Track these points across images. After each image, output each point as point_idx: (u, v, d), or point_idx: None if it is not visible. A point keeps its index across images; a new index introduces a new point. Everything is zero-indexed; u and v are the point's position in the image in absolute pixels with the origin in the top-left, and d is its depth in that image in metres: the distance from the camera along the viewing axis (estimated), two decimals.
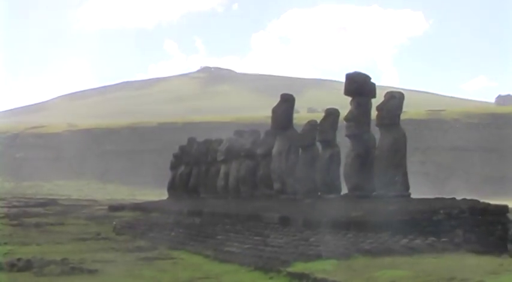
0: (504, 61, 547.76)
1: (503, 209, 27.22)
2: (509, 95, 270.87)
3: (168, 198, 54.16)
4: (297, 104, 41.61)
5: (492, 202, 29.34)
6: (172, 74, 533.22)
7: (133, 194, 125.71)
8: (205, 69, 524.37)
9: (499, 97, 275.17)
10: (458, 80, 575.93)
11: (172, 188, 53.24)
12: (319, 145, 34.72)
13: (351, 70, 35.18)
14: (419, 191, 37.23)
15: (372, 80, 31.87)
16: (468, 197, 29.76)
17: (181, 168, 51.56)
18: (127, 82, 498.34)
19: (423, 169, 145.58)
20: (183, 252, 25.74)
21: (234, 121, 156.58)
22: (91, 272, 19.70)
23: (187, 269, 21.09)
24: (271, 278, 18.29)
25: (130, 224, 38.18)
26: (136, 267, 21.17)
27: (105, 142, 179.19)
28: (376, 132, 30.61)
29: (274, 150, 36.80)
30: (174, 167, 53.92)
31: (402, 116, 30.64)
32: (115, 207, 53.95)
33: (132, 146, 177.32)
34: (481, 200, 28.70)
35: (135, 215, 46.74)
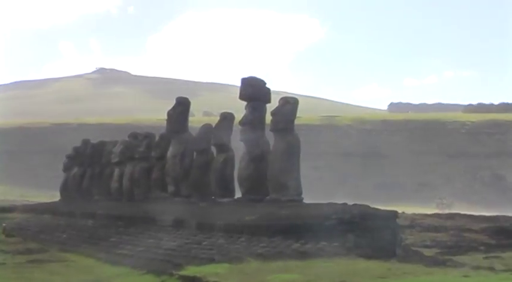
0: (396, 69, 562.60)
1: (393, 214, 27.81)
2: (401, 103, 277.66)
3: (60, 200, 53.16)
4: (193, 107, 41.52)
5: (382, 208, 29.97)
6: (67, 75, 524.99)
7: (25, 196, 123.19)
8: (100, 71, 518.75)
9: (391, 104, 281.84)
10: (352, 87, 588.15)
11: (65, 189, 52.27)
12: (213, 149, 34.74)
13: (247, 75, 35.28)
14: (312, 195, 37.71)
15: (267, 85, 32.06)
16: (360, 203, 30.29)
17: (75, 170, 50.69)
18: (20, 82, 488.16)
19: (316, 174, 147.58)
20: (74, 255, 25.40)
21: (129, 123, 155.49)
22: None
23: (79, 272, 20.83)
24: (163, 281, 18.21)
25: (21, 226, 37.37)
26: (27, 270, 20.78)
27: None
28: (270, 137, 30.82)
29: (169, 153, 36.63)
30: (67, 168, 52.95)
31: (296, 121, 30.92)
32: (5, 209, 52.67)
33: (24, 146, 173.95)
34: (372, 205, 29.27)
35: (26, 217, 45.80)
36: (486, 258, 29.13)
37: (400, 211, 40.12)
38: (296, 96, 32.99)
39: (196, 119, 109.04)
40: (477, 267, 21.60)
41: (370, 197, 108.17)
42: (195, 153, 35.86)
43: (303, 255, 20.42)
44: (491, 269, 21.11)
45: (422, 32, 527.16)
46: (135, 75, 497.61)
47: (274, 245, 21.90)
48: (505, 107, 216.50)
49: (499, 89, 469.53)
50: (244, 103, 31.95)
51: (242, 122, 31.49)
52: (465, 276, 16.49)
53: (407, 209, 73.34)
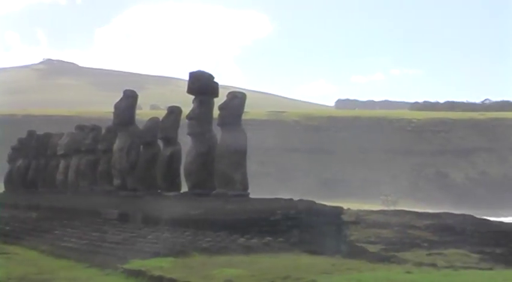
0: (343, 66, 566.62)
1: (338, 210, 28.00)
2: (348, 99, 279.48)
3: (4, 191, 52.50)
4: (140, 101, 41.26)
5: (328, 204, 30.15)
6: (13, 65, 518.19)
7: None
8: (47, 62, 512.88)
9: (339, 101, 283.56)
10: (299, 83, 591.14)
11: (9, 181, 51.61)
12: (160, 142, 34.60)
13: (195, 69, 35.20)
14: (258, 191, 37.78)
15: (215, 80, 32.03)
16: (305, 199, 30.44)
17: (20, 161, 50.07)
18: None
19: (263, 169, 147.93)
20: (18, 247, 25.11)
21: (76, 115, 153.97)
22: None
23: (22, 264, 20.58)
24: (107, 274, 18.08)
25: None
26: None
27: None
28: (217, 131, 30.80)
29: (115, 146, 36.36)
30: (12, 159, 52.29)
31: (244, 116, 30.94)
32: None
33: None
34: (318, 202, 29.43)
35: None
36: (429, 254, 29.50)
37: (345, 207, 40.40)
38: (244, 91, 32.97)
39: (144, 112, 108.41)
40: (420, 264, 21.84)
41: (316, 193, 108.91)
42: (141, 147, 35.70)
43: (248, 250, 20.45)
44: (433, 265, 21.38)
45: (369, 29, 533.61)
46: (83, 67, 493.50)
47: (219, 239, 21.89)
48: (450, 105, 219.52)
49: (444, 88, 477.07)
50: (192, 97, 31.86)
51: (189, 116, 31.40)
52: (408, 272, 16.66)
53: (353, 205, 73.85)
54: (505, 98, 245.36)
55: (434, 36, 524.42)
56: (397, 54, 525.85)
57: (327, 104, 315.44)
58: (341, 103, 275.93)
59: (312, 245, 22.59)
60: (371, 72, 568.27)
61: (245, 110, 31.24)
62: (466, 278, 15.12)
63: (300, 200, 28.90)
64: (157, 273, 16.66)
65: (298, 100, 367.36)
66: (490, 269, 22.40)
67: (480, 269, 21.95)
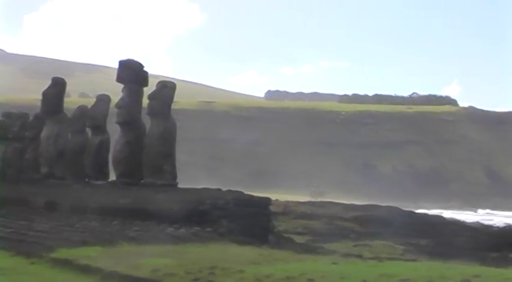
0: (273, 58, 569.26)
1: (266, 201, 28.13)
2: (278, 91, 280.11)
3: None
4: (69, 88, 40.79)
5: (257, 194, 30.28)
6: None
7: None
8: None
9: (269, 92, 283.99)
10: (229, 73, 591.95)
11: None
12: (89, 131, 34.29)
13: (124, 57, 35.01)
14: (187, 181, 37.70)
15: (145, 69, 31.87)
16: (234, 189, 30.52)
17: None
18: None
19: (192, 159, 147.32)
20: None
21: (2, 102, 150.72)
22: None
23: None
24: (32, 263, 17.84)
25: None
26: None
27: None
28: (147, 120, 30.66)
29: (43, 134, 35.93)
30: None
31: (173, 106, 30.86)
32: None
33: None
34: (247, 192, 29.53)
35: None
36: (356, 246, 29.94)
37: (273, 198, 40.63)
38: (174, 81, 32.88)
39: (72, 100, 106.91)
40: (346, 255, 22.13)
41: (245, 184, 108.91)
42: (69, 135, 35.32)
43: (176, 240, 20.43)
44: (359, 256, 21.67)
45: (298, 21, 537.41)
46: (11, 54, 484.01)
47: (147, 228, 21.84)
48: (379, 98, 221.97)
49: (373, 81, 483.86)
50: (121, 85, 31.64)
51: (118, 105, 31.18)
52: (334, 263, 16.84)
53: (282, 196, 74.31)
54: (432, 92, 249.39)
55: (362, 29, 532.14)
56: (326, 47, 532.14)
57: (257, 95, 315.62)
58: (271, 94, 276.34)
59: (240, 235, 22.69)
60: (300, 64, 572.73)
61: (175, 99, 31.15)
62: (391, 269, 15.35)
63: (229, 191, 28.98)
64: (84, 262, 16.52)
65: (228, 90, 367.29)
66: (415, 260, 22.82)
67: (405, 260, 22.33)
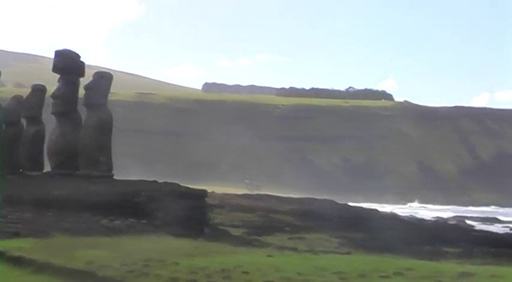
0: (211, 50, 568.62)
1: (202, 193, 28.16)
2: (215, 83, 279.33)
3: None
4: (3, 78, 40.27)
5: (193, 187, 30.27)
6: None
7: None
8: None
9: (206, 84, 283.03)
10: (167, 65, 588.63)
11: None
12: (24, 121, 33.86)
13: (61, 47, 34.56)
14: (124, 172, 37.49)
15: (82, 59, 31.59)
16: (171, 181, 30.46)
17: None
18: None
19: (130, 151, 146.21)
20: None
21: None
22: None
23: None
24: None
25: None
26: None
27: None
28: (83, 111, 30.39)
29: None
30: None
31: (111, 97, 30.70)
32: None
33: None
34: (183, 184, 29.51)
35: None
36: (291, 239, 30.12)
37: (210, 191, 40.64)
38: (111, 72, 32.68)
39: (7, 89, 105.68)
40: (282, 248, 22.27)
41: (182, 176, 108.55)
42: (4, 125, 34.81)
43: (111, 232, 20.31)
44: (294, 249, 21.84)
45: (235, 14, 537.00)
46: None
47: (82, 220, 21.65)
48: (316, 92, 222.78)
49: (310, 74, 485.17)
50: (57, 76, 31.32)
51: (54, 95, 30.86)
52: (269, 256, 16.94)
53: (219, 188, 74.33)
54: (368, 87, 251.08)
55: (300, 23, 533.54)
56: (264, 40, 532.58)
57: (194, 87, 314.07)
58: (208, 87, 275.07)
59: (175, 227, 22.65)
60: (238, 57, 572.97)
61: (112, 90, 30.96)
62: (325, 262, 15.51)
63: (165, 183, 28.94)
64: (16, 253, 16.31)
65: (166, 82, 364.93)
66: (349, 253, 23.11)
67: (339, 253, 22.60)
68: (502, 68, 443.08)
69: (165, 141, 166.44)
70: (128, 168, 78.21)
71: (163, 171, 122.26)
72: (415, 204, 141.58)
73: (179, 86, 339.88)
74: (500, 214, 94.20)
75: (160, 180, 30.21)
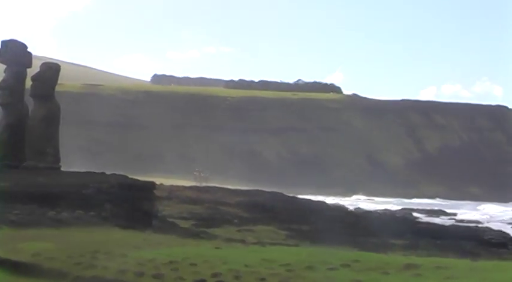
0: (159, 41, 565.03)
1: (150, 185, 28.12)
2: (164, 75, 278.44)
3: None
4: None
5: (141, 178, 30.19)
6: None
7: None
8: None
9: (155, 76, 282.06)
10: (115, 56, 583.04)
11: None
12: None
13: (7, 37, 34.14)
14: (71, 164, 37.21)
15: (29, 50, 31.26)
16: (119, 173, 30.35)
17: None
18: None
19: (78, 142, 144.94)
20: None
21: None
22: None
23: None
24: None
25: None
26: None
27: None
28: (30, 102, 30.09)
29: None
30: None
31: (58, 88, 30.43)
32: None
33: None
34: (131, 176, 29.41)
35: None
36: (239, 231, 30.24)
37: (158, 183, 40.55)
38: (58, 63, 32.38)
39: None
40: (229, 240, 22.33)
41: (130, 168, 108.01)
42: None
43: (58, 224, 20.16)
44: (242, 241, 21.93)
45: (184, 5, 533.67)
46: None
47: (28, 212, 21.43)
48: (265, 85, 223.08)
49: (259, 67, 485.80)
50: (4, 66, 30.97)
51: (0, 86, 30.52)
52: (217, 248, 17.00)
53: (167, 180, 74.13)
54: (317, 79, 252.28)
55: (248, 15, 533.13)
56: (212, 32, 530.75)
57: (143, 79, 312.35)
58: (157, 78, 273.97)
59: (123, 219, 22.59)
60: (186, 48, 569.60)
61: (59, 81, 30.68)
62: (273, 254, 15.60)
63: (113, 174, 28.81)
64: None
65: (114, 74, 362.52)
66: (297, 245, 23.27)
67: (287, 245, 22.75)
68: (448, 62, 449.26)
69: (113, 132, 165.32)
70: (76, 160, 77.63)
71: (111, 163, 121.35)
72: (363, 196, 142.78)
73: (128, 77, 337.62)
74: (446, 206, 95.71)
75: (108, 172, 30.07)
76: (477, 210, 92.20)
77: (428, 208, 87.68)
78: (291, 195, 63.07)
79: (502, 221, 66.70)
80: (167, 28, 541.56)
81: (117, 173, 30.33)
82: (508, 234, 41.02)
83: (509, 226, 57.58)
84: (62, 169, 29.62)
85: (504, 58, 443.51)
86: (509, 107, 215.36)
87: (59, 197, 23.10)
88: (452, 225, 49.58)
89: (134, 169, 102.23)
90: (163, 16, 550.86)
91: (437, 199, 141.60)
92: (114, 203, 24.24)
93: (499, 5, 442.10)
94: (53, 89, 29.70)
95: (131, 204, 24.65)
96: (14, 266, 14.11)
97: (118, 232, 19.84)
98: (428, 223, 47.81)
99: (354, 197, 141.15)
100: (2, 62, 30.76)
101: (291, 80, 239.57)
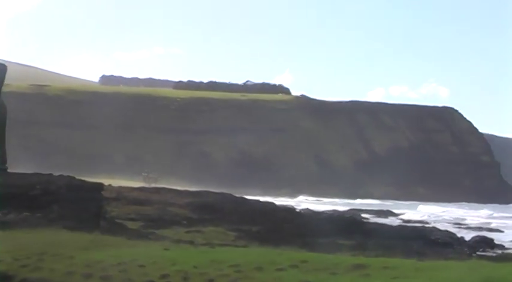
0: (107, 42, 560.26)
1: (98, 186, 27.91)
2: (112, 76, 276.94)
3: None
4: None
5: (89, 180, 29.96)
6: None
7: None
8: None
9: (103, 77, 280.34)
10: (63, 57, 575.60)
11: None
12: None
13: None
14: (17, 165, 36.77)
15: None
16: (67, 174, 30.06)
17: None
18: None
19: (24, 143, 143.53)
20: None
21: None
22: None
23: None
24: None
25: None
26: None
27: None
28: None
29: None
30: None
31: (4, 89, 30.09)
32: None
33: None
34: (79, 177, 29.16)
35: None
36: (188, 232, 30.16)
37: (106, 184, 40.27)
38: (4, 63, 31.99)
39: None
40: (178, 241, 22.31)
41: (78, 169, 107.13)
42: None
43: (4, 226, 19.95)
44: (191, 242, 21.91)
45: (131, 5, 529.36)
46: None
47: None
48: (214, 86, 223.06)
49: (208, 68, 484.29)
50: None
51: None
52: (166, 249, 16.97)
53: (115, 181, 73.61)
54: (266, 81, 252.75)
55: (196, 16, 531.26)
56: (160, 33, 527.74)
57: (91, 80, 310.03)
58: (105, 79, 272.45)
59: (71, 220, 22.40)
60: (135, 49, 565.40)
61: (5, 82, 30.32)
62: (222, 255, 15.62)
63: (60, 176, 28.53)
64: None
65: (61, 74, 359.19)
66: (246, 246, 23.31)
67: (236, 246, 22.78)
68: (395, 64, 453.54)
69: (60, 133, 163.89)
70: (23, 161, 76.72)
71: (58, 164, 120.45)
72: (311, 197, 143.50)
73: (75, 78, 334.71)
74: (394, 207, 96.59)
75: (55, 173, 29.77)
76: (419, 211, 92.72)
77: (376, 209, 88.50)
78: (240, 196, 63.09)
79: (448, 221, 67.66)
80: (115, 28, 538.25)
81: (64, 174, 30.01)
82: (454, 234, 41.60)
83: (450, 225, 58.69)
84: (9, 170, 29.24)
85: (450, 60, 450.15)
86: (456, 109, 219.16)
87: (5, 198, 22.81)
88: (400, 226, 50.03)
89: (82, 170, 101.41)
90: (111, 16, 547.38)
91: (387, 200, 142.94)
92: (62, 204, 24.02)
93: (446, 8, 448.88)
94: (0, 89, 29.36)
95: (79, 206, 24.43)
96: None
97: (65, 234, 19.68)
98: (376, 224, 48.20)
99: (302, 197, 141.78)
100: None
101: (240, 81, 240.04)
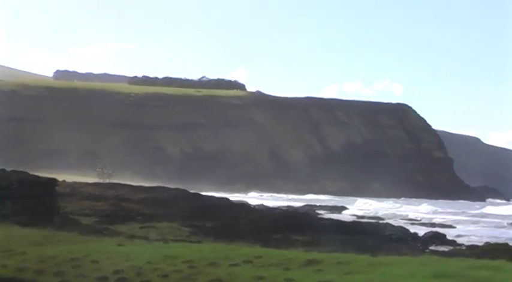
0: (61, 36, 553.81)
1: (52, 182, 27.71)
2: (67, 71, 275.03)
3: None
4: None
5: (43, 175, 29.73)
6: None
7: None
8: None
9: (57, 72, 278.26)
10: (16, 51, 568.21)
11: None
12: None
13: None
14: None
15: None
16: (20, 169, 29.81)
17: None
18: None
19: None
20: None
21: None
22: None
23: None
24: None
25: None
26: None
27: None
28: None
29: None
30: None
31: None
32: None
33: None
34: (32, 173, 28.93)
35: None
36: (142, 227, 30.11)
37: (61, 179, 40.05)
38: None
39: None
40: (132, 236, 22.28)
41: (32, 164, 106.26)
42: None
43: None
44: (145, 238, 21.91)
45: (85, 0, 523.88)
46: None
47: None
48: (169, 81, 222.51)
49: (163, 63, 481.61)
50: None
51: None
52: (120, 244, 16.94)
53: (69, 177, 73.21)
54: (221, 77, 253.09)
55: (149, 10, 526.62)
56: (114, 28, 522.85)
57: (45, 74, 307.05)
58: (60, 74, 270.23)
59: (24, 216, 22.26)
60: (88, 44, 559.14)
61: None
62: (176, 251, 15.64)
63: (13, 171, 28.29)
64: None
65: (15, 69, 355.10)
66: (200, 241, 23.33)
67: (190, 241, 22.81)
68: (350, 60, 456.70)
69: (14, 128, 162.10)
70: None
71: (11, 159, 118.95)
72: (267, 192, 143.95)
73: (29, 72, 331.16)
74: (348, 202, 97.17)
75: (8, 169, 29.50)
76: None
77: (331, 204, 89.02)
78: (194, 191, 63.10)
79: (402, 218, 68.08)
80: (68, 23, 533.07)
81: (18, 169, 29.77)
82: (407, 230, 42.05)
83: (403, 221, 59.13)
84: None
85: (404, 57, 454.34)
86: (409, 105, 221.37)
87: None
88: (354, 221, 50.45)
89: (36, 165, 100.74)
90: (65, 11, 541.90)
91: (341, 195, 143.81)
92: (14, 200, 23.85)
93: (399, 6, 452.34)
94: None
95: (32, 201, 24.27)
96: None
97: (18, 229, 19.55)
98: (330, 219, 48.46)
99: (258, 193, 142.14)
100: None
101: (195, 77, 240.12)
